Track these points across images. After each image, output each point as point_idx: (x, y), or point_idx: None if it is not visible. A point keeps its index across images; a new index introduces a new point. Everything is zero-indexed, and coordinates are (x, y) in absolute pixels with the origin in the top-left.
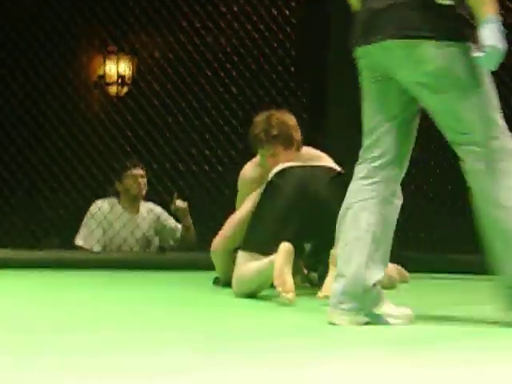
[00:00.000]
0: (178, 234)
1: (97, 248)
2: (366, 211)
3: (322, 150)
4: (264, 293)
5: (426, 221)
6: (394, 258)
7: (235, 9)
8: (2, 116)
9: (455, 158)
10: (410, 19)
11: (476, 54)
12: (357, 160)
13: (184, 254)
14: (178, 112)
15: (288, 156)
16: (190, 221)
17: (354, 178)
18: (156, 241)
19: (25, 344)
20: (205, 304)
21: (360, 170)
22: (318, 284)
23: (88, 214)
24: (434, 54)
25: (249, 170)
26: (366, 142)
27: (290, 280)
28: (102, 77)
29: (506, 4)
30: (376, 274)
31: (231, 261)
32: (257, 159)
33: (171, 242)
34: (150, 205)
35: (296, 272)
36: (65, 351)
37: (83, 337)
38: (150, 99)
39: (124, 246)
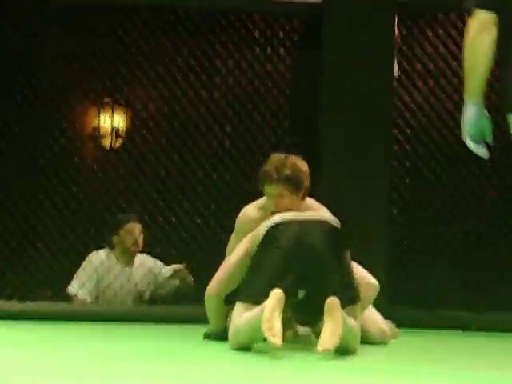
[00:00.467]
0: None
1: (89, 299)
2: None
3: (316, 197)
4: (260, 346)
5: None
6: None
7: (230, 65)
8: None
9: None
10: None
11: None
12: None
13: (175, 308)
14: (171, 165)
15: (293, 201)
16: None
17: None
18: (147, 294)
19: None
20: (192, 358)
21: None
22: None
23: (83, 265)
24: None
25: (250, 210)
26: None
27: (277, 325)
28: (97, 129)
29: None
30: None
31: (223, 307)
32: (259, 202)
33: (165, 292)
34: (143, 257)
35: (287, 326)
36: None
37: None
38: (143, 152)
39: (116, 299)
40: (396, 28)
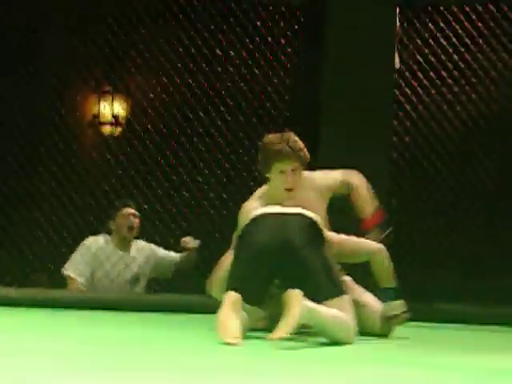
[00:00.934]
0: (174, 263)
1: (83, 282)
2: None
3: None
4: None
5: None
6: None
7: (231, 52)
8: None
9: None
10: None
11: None
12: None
13: (171, 296)
14: (171, 153)
15: (300, 175)
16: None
17: None
18: (143, 281)
19: None
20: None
21: None
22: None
23: (80, 248)
24: None
25: (250, 204)
26: None
27: (232, 325)
28: (96, 116)
29: None
30: None
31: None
32: (256, 195)
33: (169, 275)
34: (141, 243)
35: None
36: None
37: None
38: (143, 139)
39: (113, 284)
40: (397, 20)
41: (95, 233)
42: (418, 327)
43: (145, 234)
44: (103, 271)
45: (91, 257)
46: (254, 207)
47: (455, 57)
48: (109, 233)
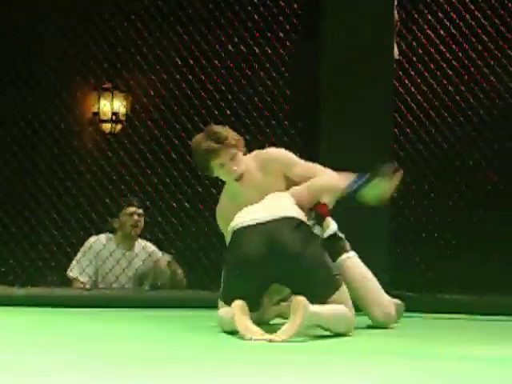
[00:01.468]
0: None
1: (88, 282)
2: None
3: None
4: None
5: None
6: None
7: (230, 48)
8: None
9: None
10: None
11: None
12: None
13: (175, 292)
14: (172, 150)
15: (238, 158)
16: (179, 269)
17: None
18: (150, 278)
19: None
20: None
21: None
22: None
23: (83, 248)
24: None
25: (221, 203)
26: None
27: (250, 324)
28: (97, 114)
29: None
30: None
31: None
32: (222, 194)
33: (161, 281)
34: (144, 242)
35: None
36: None
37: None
38: (143, 137)
39: (116, 283)
40: (396, 11)
41: (97, 231)
42: (417, 318)
43: (146, 231)
44: (107, 270)
45: (94, 256)
46: (227, 209)
47: (454, 46)
48: (111, 231)
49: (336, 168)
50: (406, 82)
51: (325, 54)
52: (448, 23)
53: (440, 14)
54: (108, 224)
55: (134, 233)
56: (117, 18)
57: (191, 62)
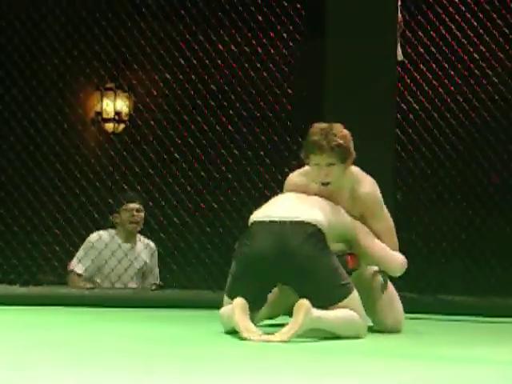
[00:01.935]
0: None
1: (89, 279)
2: None
3: None
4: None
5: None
6: None
7: (233, 48)
8: None
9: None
10: None
11: None
12: None
13: (180, 292)
14: (174, 149)
15: (339, 171)
16: None
17: None
18: (155, 272)
19: None
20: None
21: None
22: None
23: (84, 244)
24: None
25: (295, 176)
26: None
27: (249, 324)
28: (99, 113)
29: None
30: None
31: None
32: (304, 169)
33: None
34: (147, 240)
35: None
36: None
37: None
38: (146, 136)
39: (120, 280)
40: (399, 12)
41: (99, 229)
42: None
43: (148, 231)
44: (109, 265)
45: (96, 252)
46: (298, 180)
47: (457, 47)
48: (113, 227)
49: None
50: (409, 82)
51: (328, 54)
52: (451, 24)
53: (443, 16)
54: (109, 220)
55: (134, 228)
56: (120, 18)
57: (194, 61)
